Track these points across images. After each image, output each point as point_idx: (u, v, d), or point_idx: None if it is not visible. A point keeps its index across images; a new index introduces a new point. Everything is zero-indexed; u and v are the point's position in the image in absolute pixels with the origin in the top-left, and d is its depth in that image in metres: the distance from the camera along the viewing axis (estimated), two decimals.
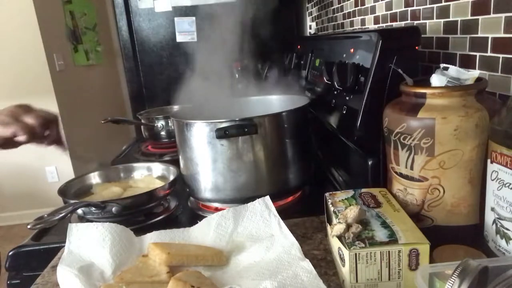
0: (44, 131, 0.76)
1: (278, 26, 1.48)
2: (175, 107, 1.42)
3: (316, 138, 0.95)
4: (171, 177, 0.83)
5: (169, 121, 1.29)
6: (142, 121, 1.35)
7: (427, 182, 0.56)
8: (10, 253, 0.72)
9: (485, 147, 0.51)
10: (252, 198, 0.68)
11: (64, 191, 0.80)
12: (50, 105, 2.80)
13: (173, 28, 1.97)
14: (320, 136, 0.95)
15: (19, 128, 0.72)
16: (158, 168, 0.92)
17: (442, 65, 0.60)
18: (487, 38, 0.66)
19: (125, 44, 2.00)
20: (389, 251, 0.47)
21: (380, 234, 0.49)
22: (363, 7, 1.24)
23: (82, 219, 0.79)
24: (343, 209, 0.56)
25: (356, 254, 0.47)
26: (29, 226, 0.64)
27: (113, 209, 0.73)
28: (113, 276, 0.56)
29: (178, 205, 0.85)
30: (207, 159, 0.75)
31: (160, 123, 1.30)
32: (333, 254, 0.56)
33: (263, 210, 0.66)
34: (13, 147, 0.75)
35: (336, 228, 0.50)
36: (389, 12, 1.05)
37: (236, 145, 0.73)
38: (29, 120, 0.73)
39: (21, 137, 0.73)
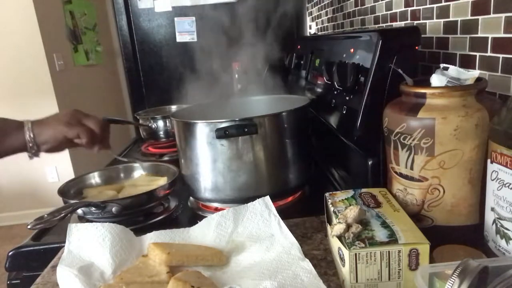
0: (100, 136, 0.78)
1: (278, 26, 1.48)
2: (173, 107, 1.42)
3: (316, 138, 0.95)
4: (171, 177, 0.83)
5: (167, 121, 1.28)
6: (141, 121, 1.35)
7: (427, 182, 0.56)
8: (10, 253, 0.72)
9: (485, 147, 0.51)
10: (252, 198, 0.68)
11: (64, 191, 0.80)
12: (50, 105, 2.80)
13: (173, 28, 1.96)
14: (320, 136, 0.95)
15: (82, 130, 0.74)
16: (158, 168, 0.92)
17: (442, 65, 0.60)
18: (487, 38, 0.66)
19: (125, 44, 2.00)
20: (389, 251, 0.47)
21: (380, 234, 0.49)
22: (363, 7, 1.24)
23: (82, 219, 0.79)
24: (343, 209, 0.56)
25: (356, 254, 0.47)
26: (29, 226, 0.64)
27: (113, 209, 0.73)
28: (113, 276, 0.56)
29: (178, 205, 0.85)
30: (207, 159, 0.75)
31: (154, 124, 1.28)
32: (333, 254, 0.56)
33: (263, 210, 0.66)
34: (71, 146, 0.78)
35: (336, 228, 0.50)
36: (389, 12, 1.05)
37: (236, 145, 0.73)
38: (90, 124, 0.76)
39: (82, 140, 0.75)
